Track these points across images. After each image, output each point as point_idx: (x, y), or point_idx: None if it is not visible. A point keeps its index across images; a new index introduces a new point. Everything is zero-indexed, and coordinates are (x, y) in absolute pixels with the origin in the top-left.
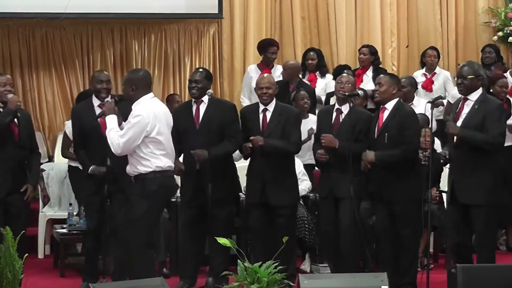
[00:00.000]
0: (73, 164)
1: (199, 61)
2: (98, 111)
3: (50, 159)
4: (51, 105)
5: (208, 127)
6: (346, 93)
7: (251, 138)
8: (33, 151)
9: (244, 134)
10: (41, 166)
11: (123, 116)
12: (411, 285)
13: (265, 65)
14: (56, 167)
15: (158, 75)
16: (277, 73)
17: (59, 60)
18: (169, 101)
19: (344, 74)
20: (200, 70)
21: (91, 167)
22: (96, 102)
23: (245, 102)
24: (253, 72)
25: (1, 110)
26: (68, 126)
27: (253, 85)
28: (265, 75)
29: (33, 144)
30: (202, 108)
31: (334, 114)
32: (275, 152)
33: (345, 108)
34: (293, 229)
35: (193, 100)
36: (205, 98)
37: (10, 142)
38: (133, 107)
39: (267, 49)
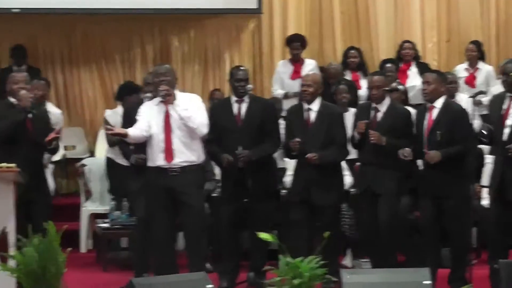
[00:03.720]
0: (111, 156)
1: (239, 57)
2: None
3: (92, 154)
4: (92, 101)
5: (250, 126)
6: (386, 88)
7: (308, 156)
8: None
9: (288, 133)
10: (83, 161)
11: None
12: (461, 281)
13: (294, 61)
14: (98, 162)
15: (198, 70)
16: (307, 68)
17: (99, 55)
18: (211, 97)
19: (374, 77)
20: (243, 68)
21: (132, 156)
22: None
23: (278, 92)
24: (281, 67)
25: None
26: (108, 114)
27: (286, 80)
28: (311, 72)
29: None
30: (243, 106)
31: (372, 113)
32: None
33: (383, 106)
34: (336, 227)
35: (234, 97)
36: (246, 97)
37: (24, 140)
38: (179, 95)
39: (290, 45)
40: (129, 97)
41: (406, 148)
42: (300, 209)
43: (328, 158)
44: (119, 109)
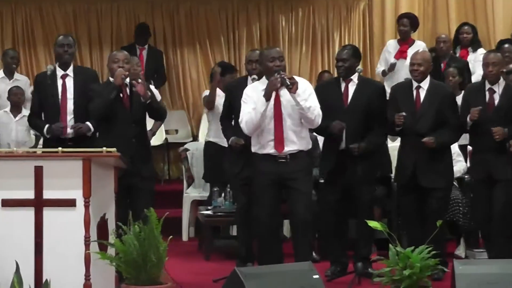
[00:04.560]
0: (211, 139)
1: (349, 37)
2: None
3: (195, 138)
4: (196, 83)
5: (357, 107)
6: (503, 70)
7: (424, 140)
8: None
9: (394, 110)
10: (185, 146)
11: None
12: None
13: (402, 40)
14: (201, 147)
15: (306, 51)
16: (417, 49)
17: (203, 36)
18: (320, 79)
19: (491, 54)
20: (347, 47)
21: (231, 138)
22: (250, 81)
23: (379, 69)
24: (391, 47)
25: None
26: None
27: (391, 60)
28: (420, 50)
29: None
30: (351, 87)
31: (487, 95)
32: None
33: (498, 87)
34: (445, 213)
35: (341, 78)
36: (355, 77)
37: (123, 118)
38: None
39: (399, 21)
40: (223, 78)
41: None
42: (410, 197)
43: (444, 141)
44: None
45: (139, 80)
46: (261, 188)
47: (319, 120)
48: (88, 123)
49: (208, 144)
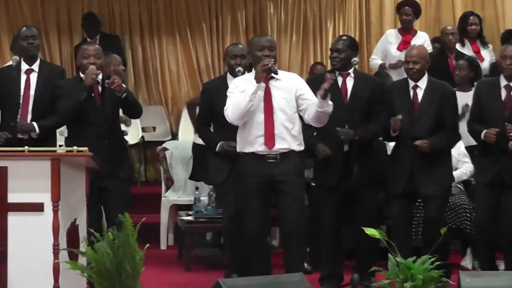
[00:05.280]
0: (200, 142)
1: (343, 26)
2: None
3: (174, 136)
4: (175, 76)
5: (357, 103)
6: None
7: (416, 143)
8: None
9: (389, 113)
10: (164, 145)
11: None
12: None
13: (404, 30)
14: (181, 145)
15: (296, 41)
16: (420, 40)
17: (184, 24)
18: (312, 71)
19: (510, 47)
20: (344, 37)
21: (219, 144)
22: (230, 79)
23: (375, 62)
24: (392, 37)
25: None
26: None
27: (393, 52)
28: (415, 45)
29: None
30: (349, 82)
31: (504, 92)
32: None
33: None
34: (443, 222)
35: (337, 71)
36: (351, 71)
37: (94, 117)
38: (281, 75)
39: (400, 10)
40: None
41: None
42: (402, 204)
43: (439, 144)
44: None
45: (116, 80)
46: (249, 192)
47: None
48: (34, 123)
49: (197, 145)
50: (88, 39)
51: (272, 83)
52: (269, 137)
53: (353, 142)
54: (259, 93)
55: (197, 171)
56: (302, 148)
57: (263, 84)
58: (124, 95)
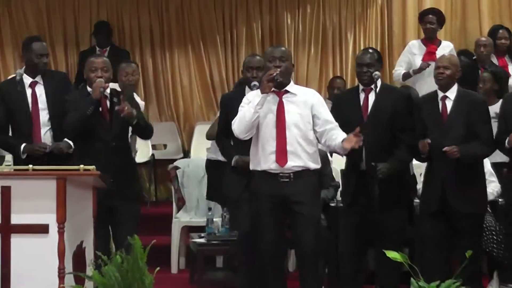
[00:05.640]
0: (213, 157)
1: (364, 37)
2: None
3: (186, 154)
4: (187, 90)
5: (378, 120)
6: None
7: (445, 149)
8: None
9: (420, 126)
10: (175, 163)
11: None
12: None
13: (428, 40)
14: (193, 163)
15: (314, 53)
16: (445, 50)
17: (196, 36)
18: (331, 85)
19: None
20: (370, 50)
21: (234, 158)
22: (248, 91)
23: (398, 72)
24: (416, 48)
25: None
26: None
27: (417, 63)
28: (446, 53)
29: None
30: (371, 96)
31: None
32: (473, 160)
33: None
34: (479, 243)
35: (361, 86)
36: (375, 85)
37: (102, 134)
38: (294, 89)
39: (423, 19)
40: None
41: None
42: (436, 223)
43: (470, 152)
44: None
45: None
46: (261, 213)
47: None
48: (66, 139)
49: (210, 162)
50: (98, 48)
51: (286, 97)
52: (281, 154)
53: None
54: (272, 107)
55: (213, 190)
56: (318, 166)
57: (270, 96)
58: (136, 121)
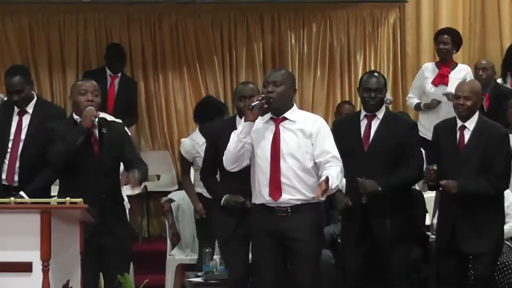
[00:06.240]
0: (200, 190)
1: (375, 58)
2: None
3: (181, 186)
4: (182, 115)
5: (379, 150)
6: None
7: (442, 182)
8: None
9: (436, 154)
10: (169, 196)
11: None
12: None
13: (442, 62)
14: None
15: (320, 76)
16: (460, 74)
17: (192, 56)
18: (339, 111)
19: None
20: (376, 74)
21: (224, 197)
22: (239, 122)
23: (411, 101)
24: (428, 71)
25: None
26: (186, 144)
27: (428, 88)
28: (467, 80)
29: (130, 158)
30: (374, 124)
31: None
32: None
33: None
34: (493, 281)
35: (363, 112)
36: (380, 111)
37: (91, 167)
38: (294, 115)
39: (436, 38)
40: (210, 121)
41: None
42: (451, 260)
43: (473, 188)
44: (197, 136)
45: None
46: (259, 250)
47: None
48: (21, 193)
49: (199, 197)
50: (109, 73)
51: (284, 124)
52: (275, 186)
53: (376, 195)
54: (268, 135)
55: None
56: (319, 199)
57: (264, 124)
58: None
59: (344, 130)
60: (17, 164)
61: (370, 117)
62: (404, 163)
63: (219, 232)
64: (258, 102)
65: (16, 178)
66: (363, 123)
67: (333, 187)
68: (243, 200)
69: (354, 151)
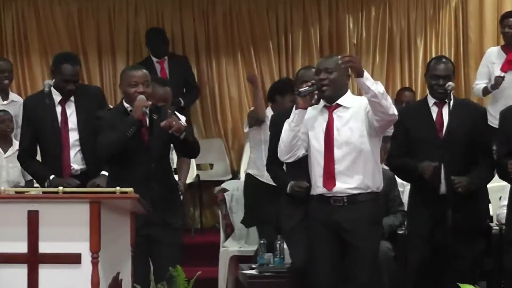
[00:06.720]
0: (255, 173)
1: (436, 43)
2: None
3: (235, 175)
4: (236, 103)
5: (456, 138)
6: None
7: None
8: None
9: (507, 144)
10: (222, 185)
11: None
12: None
13: (508, 47)
14: (243, 186)
15: (380, 61)
16: None
17: (247, 42)
18: (399, 98)
19: None
20: (444, 60)
21: (289, 184)
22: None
23: (478, 86)
24: (494, 56)
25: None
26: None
27: (496, 74)
28: None
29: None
30: (445, 111)
31: None
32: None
33: None
34: None
35: (431, 100)
36: (448, 99)
37: (140, 156)
38: (348, 101)
39: (502, 22)
40: (281, 99)
41: None
42: None
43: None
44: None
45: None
46: (316, 241)
47: (395, 111)
48: (104, 172)
49: (249, 177)
50: (155, 60)
51: (337, 112)
52: (329, 176)
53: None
54: (322, 124)
55: (251, 214)
56: (378, 188)
57: (319, 111)
58: (184, 135)
59: (415, 118)
60: (72, 154)
61: (440, 105)
62: (480, 156)
63: (285, 222)
64: (307, 88)
65: (76, 167)
66: (433, 110)
67: (373, 87)
68: (307, 186)
69: (429, 139)
